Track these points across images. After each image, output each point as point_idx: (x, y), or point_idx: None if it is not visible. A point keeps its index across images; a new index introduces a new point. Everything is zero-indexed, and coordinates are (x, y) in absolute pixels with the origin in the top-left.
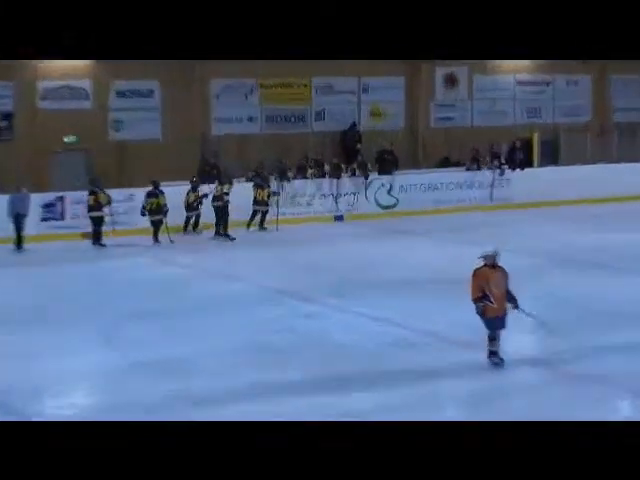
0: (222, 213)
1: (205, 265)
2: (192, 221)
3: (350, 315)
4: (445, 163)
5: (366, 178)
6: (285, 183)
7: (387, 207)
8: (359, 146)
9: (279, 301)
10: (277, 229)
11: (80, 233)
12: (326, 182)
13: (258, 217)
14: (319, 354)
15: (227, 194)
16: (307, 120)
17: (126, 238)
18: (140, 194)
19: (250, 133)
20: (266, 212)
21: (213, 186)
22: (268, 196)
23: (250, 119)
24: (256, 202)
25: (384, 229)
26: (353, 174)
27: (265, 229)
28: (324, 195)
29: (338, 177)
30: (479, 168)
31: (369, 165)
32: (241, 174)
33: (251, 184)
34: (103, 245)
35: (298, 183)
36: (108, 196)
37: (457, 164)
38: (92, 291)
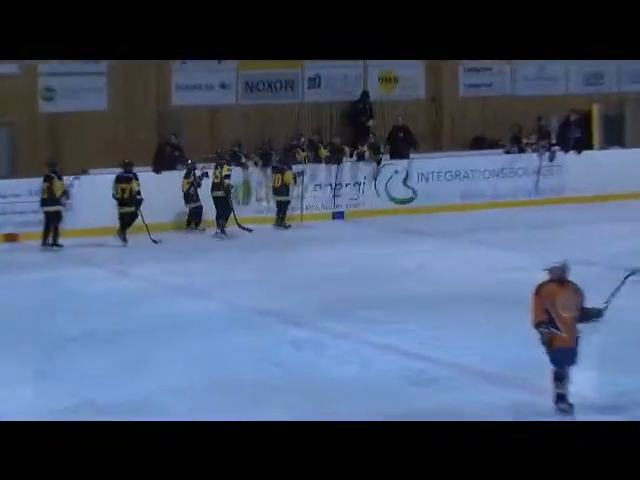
0: (224, 204)
1: (172, 277)
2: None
3: (351, 342)
4: (478, 144)
5: (378, 163)
6: (269, 169)
7: (401, 201)
8: (371, 123)
9: (259, 324)
10: (301, 219)
11: (1, 234)
12: (322, 168)
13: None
14: (310, 394)
15: (228, 177)
16: (297, 88)
17: (65, 240)
18: (84, 182)
19: (223, 104)
20: (287, 203)
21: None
22: (294, 179)
23: (223, 86)
24: (275, 191)
25: (397, 230)
26: (360, 158)
27: (287, 226)
28: (319, 185)
29: (338, 162)
30: (522, 150)
31: (382, 148)
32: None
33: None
34: (60, 246)
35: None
36: (64, 185)
37: (493, 145)
38: (26, 309)
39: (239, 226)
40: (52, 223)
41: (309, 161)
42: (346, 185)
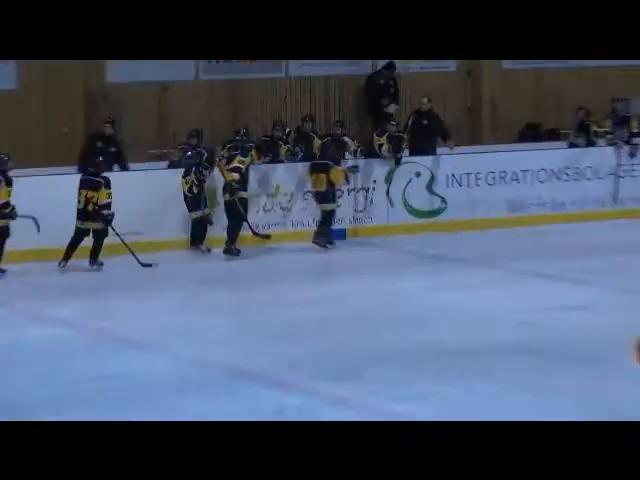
0: (233, 211)
1: (119, 321)
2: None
3: (357, 410)
4: (530, 134)
5: (397, 163)
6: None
7: (425, 214)
8: (393, 108)
9: (230, 387)
10: (356, 233)
11: None
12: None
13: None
14: None
15: (236, 170)
16: None
17: None
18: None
19: (177, 80)
20: (333, 213)
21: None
22: (346, 178)
23: None
24: (317, 197)
25: (418, 255)
26: (371, 154)
27: (332, 246)
28: (311, 193)
29: (337, 161)
30: (592, 142)
31: (405, 140)
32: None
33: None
34: (2, 271)
35: (265, 171)
36: (11, 193)
37: (552, 135)
38: None
39: (254, 234)
40: None
41: (297, 159)
42: (348, 192)
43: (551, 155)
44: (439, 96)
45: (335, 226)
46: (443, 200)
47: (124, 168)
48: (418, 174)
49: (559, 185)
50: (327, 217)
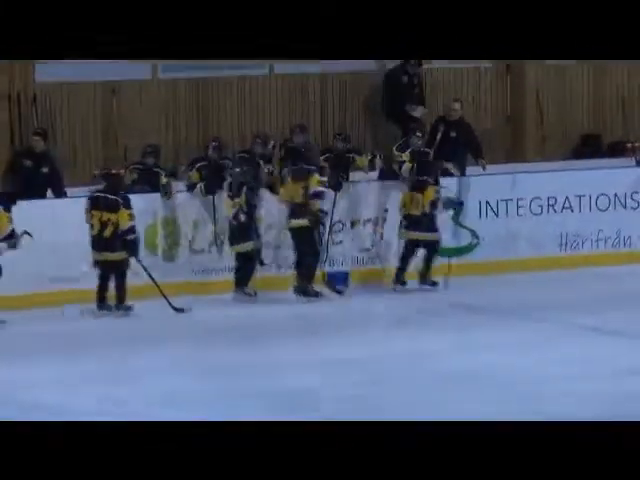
0: (309, 242)
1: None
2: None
3: None
4: (588, 148)
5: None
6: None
7: (452, 253)
8: (421, 110)
9: None
10: (446, 286)
11: None
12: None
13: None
14: None
15: (318, 195)
16: None
17: None
18: None
19: (129, 80)
20: (436, 245)
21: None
22: (433, 203)
23: None
24: (409, 223)
25: (445, 305)
26: (388, 174)
27: (434, 284)
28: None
29: (337, 185)
30: None
31: (431, 157)
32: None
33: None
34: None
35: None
36: (11, 220)
37: (616, 150)
38: None
39: (328, 286)
40: None
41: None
42: (351, 224)
43: (615, 176)
44: (469, 98)
45: (333, 269)
46: (474, 235)
47: (60, 194)
48: (444, 201)
49: (625, 215)
50: (427, 252)
